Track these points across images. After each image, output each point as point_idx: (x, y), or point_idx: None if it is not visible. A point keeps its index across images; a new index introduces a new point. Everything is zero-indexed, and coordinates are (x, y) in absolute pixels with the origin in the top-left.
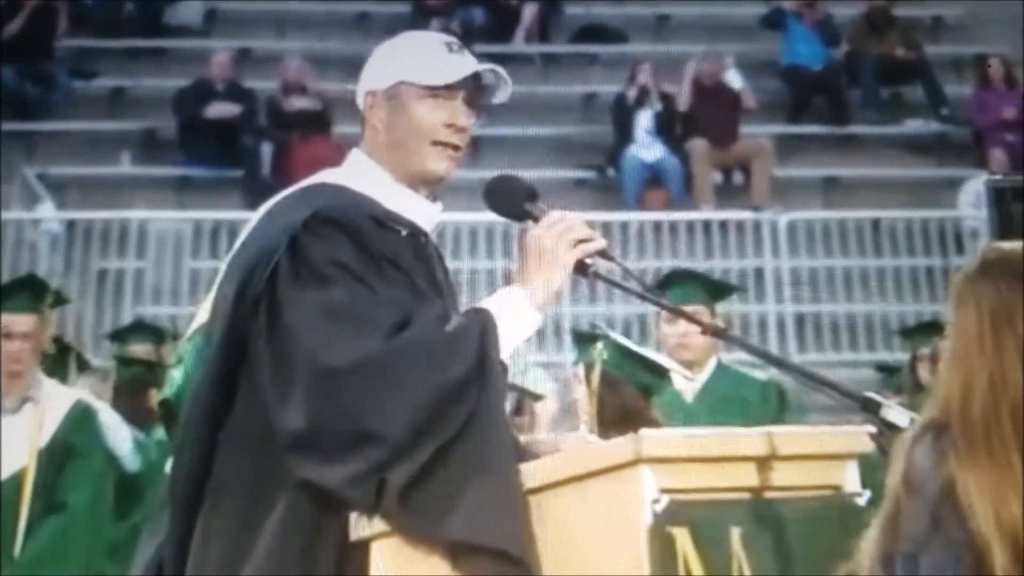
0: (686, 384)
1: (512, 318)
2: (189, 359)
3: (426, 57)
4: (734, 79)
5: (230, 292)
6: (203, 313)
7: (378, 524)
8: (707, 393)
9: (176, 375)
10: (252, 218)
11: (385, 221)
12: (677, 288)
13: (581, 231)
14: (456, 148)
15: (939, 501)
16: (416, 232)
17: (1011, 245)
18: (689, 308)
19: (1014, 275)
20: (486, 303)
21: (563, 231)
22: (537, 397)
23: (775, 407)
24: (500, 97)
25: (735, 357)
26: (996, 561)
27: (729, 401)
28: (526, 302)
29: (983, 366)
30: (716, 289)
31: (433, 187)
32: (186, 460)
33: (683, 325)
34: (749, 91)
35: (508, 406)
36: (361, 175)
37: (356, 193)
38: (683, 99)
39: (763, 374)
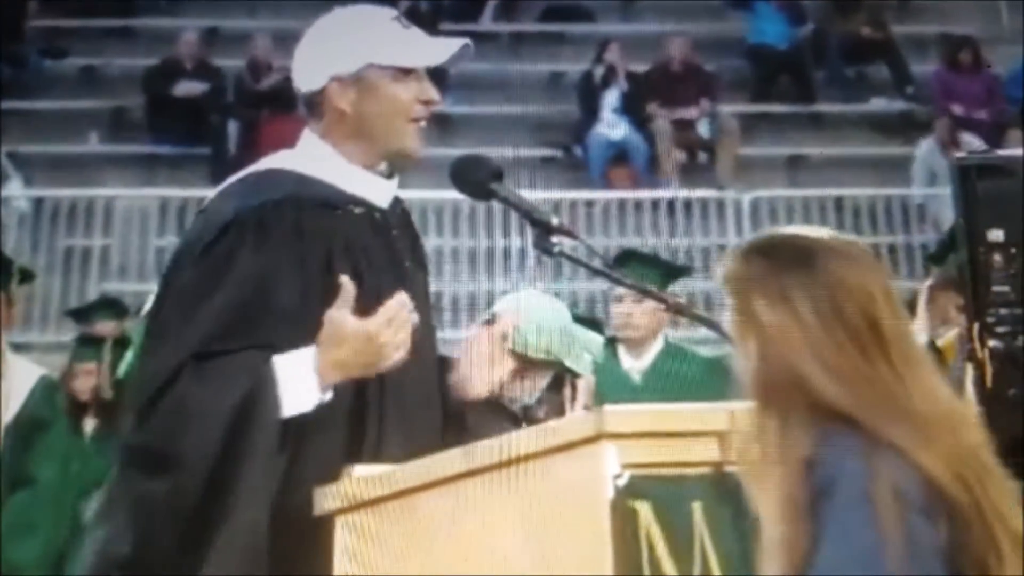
0: (633, 363)
1: (294, 388)
2: (138, 341)
3: (389, 36)
4: (704, 129)
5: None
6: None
7: (343, 497)
8: (654, 372)
9: (128, 356)
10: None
11: (336, 204)
12: (631, 268)
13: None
14: (425, 121)
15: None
16: (372, 209)
17: (794, 229)
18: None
19: (838, 256)
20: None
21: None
22: (576, 375)
23: (722, 385)
24: (455, 63)
25: (681, 335)
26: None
27: (675, 379)
28: (312, 380)
29: (837, 348)
30: (669, 271)
31: (403, 164)
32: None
33: (627, 304)
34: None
35: (545, 381)
36: (314, 157)
37: (307, 177)
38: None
39: (710, 352)
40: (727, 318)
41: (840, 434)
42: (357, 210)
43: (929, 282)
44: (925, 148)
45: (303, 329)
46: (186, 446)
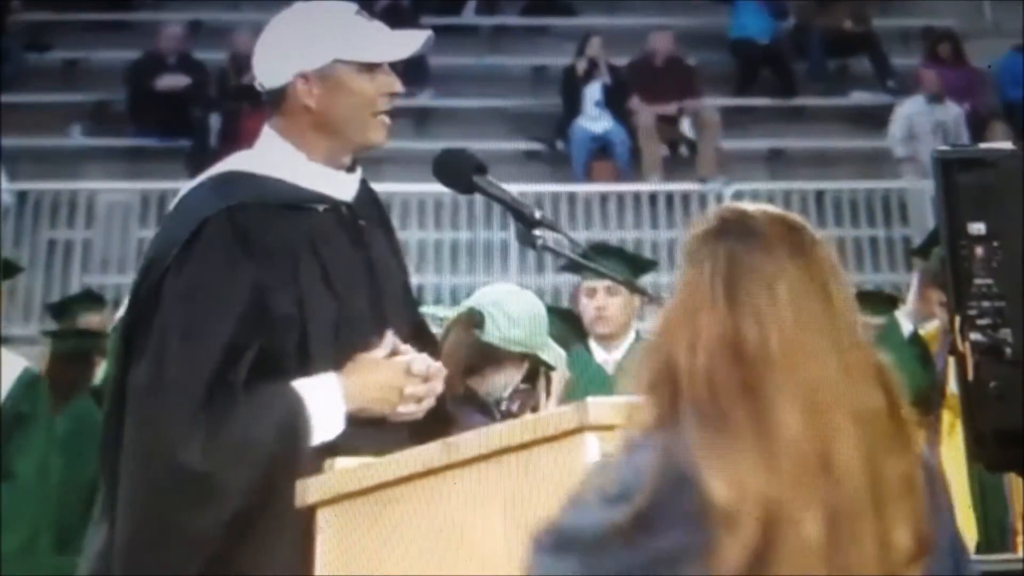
0: (606, 356)
1: (322, 420)
2: (112, 349)
3: (354, 31)
4: (687, 129)
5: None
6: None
7: (324, 490)
8: (628, 365)
9: (105, 365)
10: (182, 190)
11: (300, 204)
12: (600, 261)
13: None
14: (389, 113)
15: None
16: (336, 205)
17: (749, 205)
18: (608, 281)
19: (752, 236)
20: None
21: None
22: (550, 367)
23: None
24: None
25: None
26: (741, 534)
27: None
28: (340, 410)
29: (714, 323)
30: (638, 265)
31: (359, 153)
32: (106, 461)
33: (600, 298)
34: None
35: (519, 375)
36: (276, 157)
37: (269, 179)
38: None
39: None
40: None
41: (643, 445)
42: (321, 208)
43: (917, 275)
44: (908, 106)
45: (281, 338)
46: (230, 480)
